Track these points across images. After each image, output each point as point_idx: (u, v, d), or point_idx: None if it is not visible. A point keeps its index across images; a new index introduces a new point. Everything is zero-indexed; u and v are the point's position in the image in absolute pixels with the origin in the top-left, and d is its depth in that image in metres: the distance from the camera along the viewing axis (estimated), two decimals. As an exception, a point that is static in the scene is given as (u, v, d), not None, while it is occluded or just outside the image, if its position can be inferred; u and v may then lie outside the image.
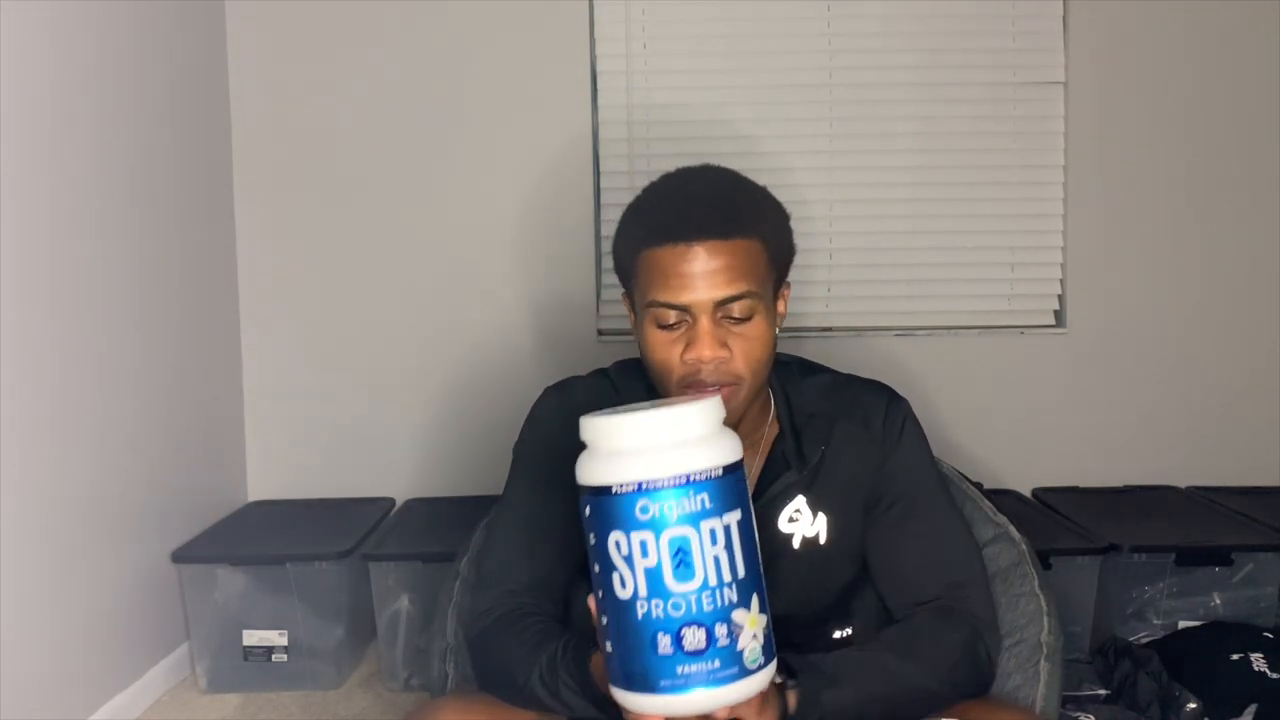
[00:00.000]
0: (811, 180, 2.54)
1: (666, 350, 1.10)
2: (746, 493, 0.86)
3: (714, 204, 1.10)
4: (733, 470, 0.84)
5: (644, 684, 0.82)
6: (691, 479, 0.82)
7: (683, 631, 0.81)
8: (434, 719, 1.10)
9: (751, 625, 0.83)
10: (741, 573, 0.83)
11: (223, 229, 2.50)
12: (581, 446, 0.87)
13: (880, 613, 1.24)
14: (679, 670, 0.81)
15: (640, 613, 0.81)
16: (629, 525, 0.81)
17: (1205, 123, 2.52)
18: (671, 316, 1.08)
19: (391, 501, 2.50)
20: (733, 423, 1.09)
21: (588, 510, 0.84)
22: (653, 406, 0.89)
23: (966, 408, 2.51)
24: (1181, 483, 2.52)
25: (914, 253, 2.57)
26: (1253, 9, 2.50)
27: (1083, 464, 2.55)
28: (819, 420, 1.21)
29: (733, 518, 0.83)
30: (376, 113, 2.53)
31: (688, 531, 0.81)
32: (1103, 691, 1.97)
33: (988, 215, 2.58)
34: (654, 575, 0.81)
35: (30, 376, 1.74)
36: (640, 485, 0.81)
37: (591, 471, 0.84)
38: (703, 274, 1.06)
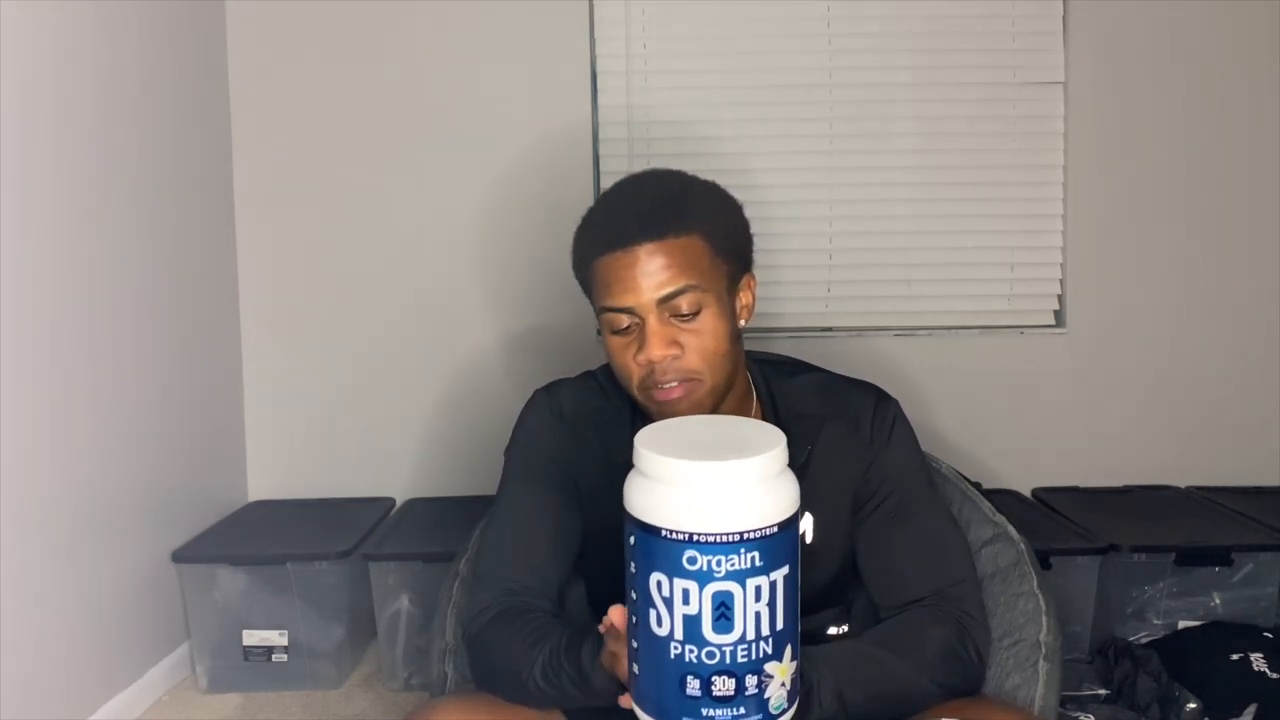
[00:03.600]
0: (811, 180, 2.53)
1: (623, 355, 1.13)
2: (797, 545, 0.84)
3: (650, 207, 1.12)
4: (787, 526, 0.82)
5: (664, 715, 0.82)
6: (745, 537, 0.79)
7: (713, 679, 0.80)
8: (434, 719, 1.10)
9: (782, 675, 0.82)
10: (780, 625, 0.81)
11: (223, 229, 2.50)
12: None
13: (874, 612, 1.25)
14: (703, 712, 0.80)
15: (673, 653, 0.80)
16: (674, 571, 0.79)
17: (1205, 123, 2.52)
18: (623, 320, 1.11)
19: (391, 501, 2.50)
20: (705, 409, 1.13)
21: (632, 540, 0.82)
22: (711, 436, 0.87)
23: (966, 408, 2.51)
24: (1181, 483, 2.51)
25: (914, 253, 2.57)
26: (1253, 9, 2.49)
27: (1083, 464, 2.55)
28: (807, 421, 1.21)
29: (780, 574, 0.81)
30: (376, 114, 2.53)
31: (733, 588, 0.79)
32: (1102, 691, 1.97)
33: (988, 215, 2.58)
34: (692, 623, 0.79)
35: (30, 377, 1.75)
36: (691, 536, 0.78)
37: (642, 505, 0.81)
38: (642, 274, 1.09)
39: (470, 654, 1.20)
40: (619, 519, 1.22)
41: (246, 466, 2.57)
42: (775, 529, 0.80)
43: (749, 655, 0.80)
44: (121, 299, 2.03)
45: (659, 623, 0.80)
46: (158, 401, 2.16)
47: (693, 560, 0.78)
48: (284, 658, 2.16)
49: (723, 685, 0.80)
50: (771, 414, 1.22)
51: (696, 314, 1.11)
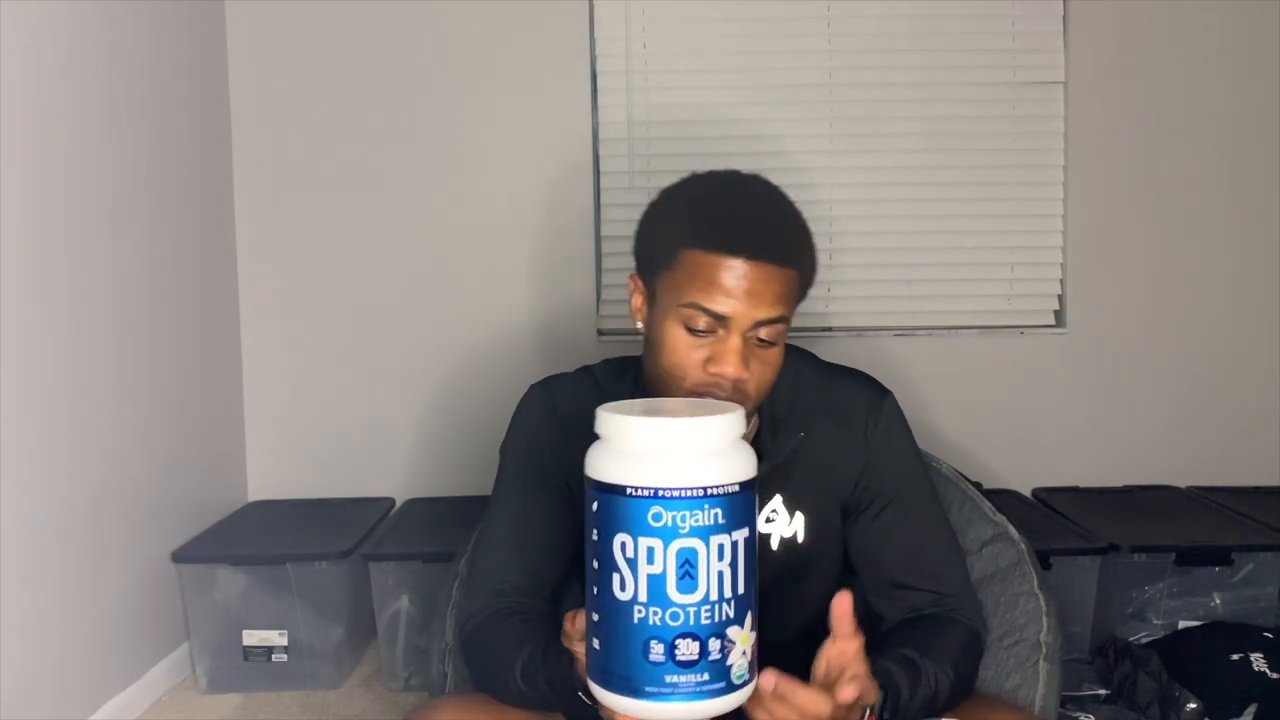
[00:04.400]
0: (811, 181, 2.53)
1: (687, 354, 1.07)
2: (755, 511, 0.86)
3: (774, 227, 1.09)
4: (748, 487, 0.83)
5: (626, 686, 0.82)
6: (709, 492, 0.80)
7: (677, 642, 0.81)
8: (434, 719, 1.10)
9: (743, 642, 0.83)
10: (741, 589, 0.83)
11: (223, 229, 2.50)
12: (591, 437, 0.86)
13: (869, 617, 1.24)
14: (667, 679, 0.81)
15: (636, 617, 0.81)
16: (638, 529, 0.80)
17: (1205, 122, 2.52)
18: (702, 322, 1.06)
19: (391, 501, 2.50)
20: None
21: (595, 505, 0.82)
22: (670, 409, 0.87)
23: (966, 408, 2.51)
24: (1181, 483, 2.51)
25: (914, 253, 2.57)
26: (1253, 9, 2.49)
27: (1083, 464, 2.55)
28: (800, 414, 1.20)
29: (741, 535, 0.82)
30: (376, 114, 2.53)
31: (697, 544, 0.80)
32: (1102, 691, 1.97)
33: (988, 215, 2.58)
34: (656, 582, 0.80)
35: (30, 377, 1.74)
36: (656, 492, 0.80)
37: (605, 467, 0.82)
38: (750, 291, 1.05)
39: (464, 655, 1.20)
40: None
41: (246, 466, 2.57)
42: (737, 488, 0.82)
43: (712, 617, 0.81)
44: (121, 299, 2.03)
45: (622, 587, 0.81)
46: (158, 401, 2.16)
47: (658, 517, 0.80)
48: (284, 658, 2.16)
49: (686, 649, 0.81)
50: (768, 406, 1.20)
51: (774, 344, 1.09)
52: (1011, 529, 1.37)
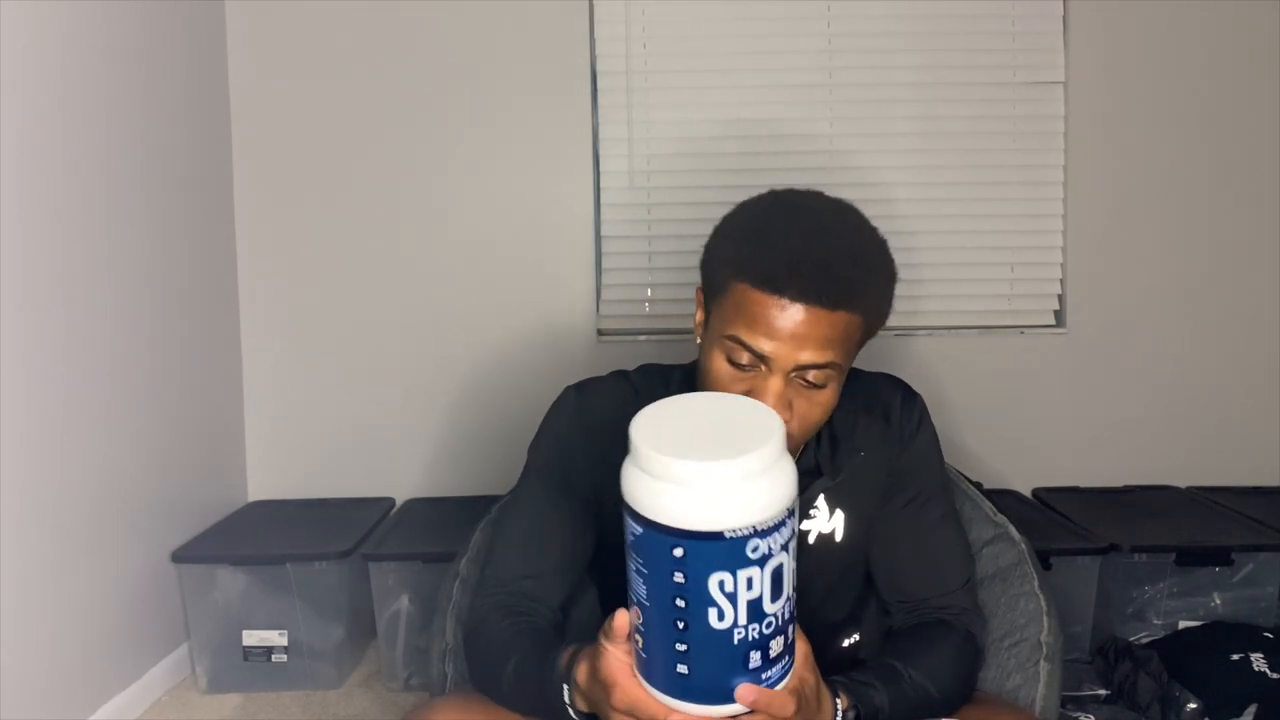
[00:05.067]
0: (812, 180, 2.48)
1: (729, 386, 1.05)
2: None
3: (831, 269, 1.02)
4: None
5: (724, 696, 0.84)
6: (790, 509, 0.83)
7: (770, 644, 0.84)
8: (433, 719, 1.10)
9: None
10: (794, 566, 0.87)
11: (223, 229, 2.50)
12: (623, 446, 0.85)
13: (880, 617, 1.25)
14: (761, 676, 0.84)
15: (736, 639, 0.82)
16: (738, 565, 0.80)
17: (1205, 122, 2.52)
18: (745, 358, 1.03)
19: (391, 501, 2.50)
20: None
21: (681, 552, 0.80)
22: (712, 425, 0.87)
23: (966, 407, 2.51)
24: (1181, 483, 2.52)
25: (914, 253, 2.56)
26: (1252, 9, 2.49)
27: (1083, 464, 2.55)
28: (845, 421, 1.19)
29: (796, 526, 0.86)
30: (376, 115, 2.52)
31: (784, 558, 0.83)
32: (1103, 691, 1.97)
33: (988, 215, 2.58)
34: (755, 604, 0.82)
35: (30, 377, 1.74)
36: (754, 528, 0.80)
37: (695, 516, 0.80)
38: (794, 335, 1.01)
39: (465, 650, 1.20)
40: None
41: (246, 466, 2.57)
42: (798, 490, 0.86)
43: (791, 609, 0.86)
44: (122, 299, 2.03)
45: (720, 617, 0.81)
46: (158, 402, 2.16)
47: (755, 549, 0.81)
48: (284, 658, 2.16)
49: (776, 646, 0.84)
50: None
51: (822, 386, 1.05)
52: (1012, 529, 1.37)
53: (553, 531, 1.18)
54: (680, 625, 0.82)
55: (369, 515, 2.36)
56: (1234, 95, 2.52)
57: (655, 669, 0.86)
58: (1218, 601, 2.13)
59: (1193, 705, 1.83)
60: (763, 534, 0.80)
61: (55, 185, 1.83)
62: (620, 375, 1.24)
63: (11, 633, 1.68)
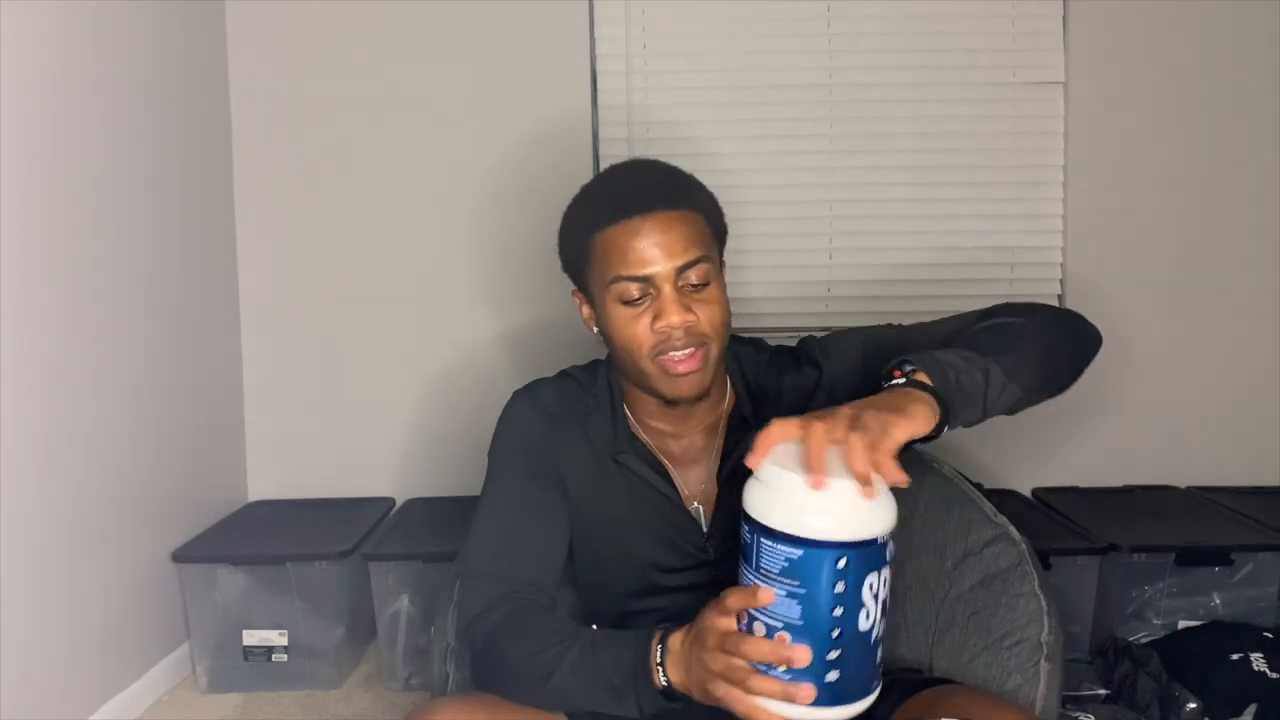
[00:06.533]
0: (811, 180, 2.53)
1: (633, 326, 1.15)
2: None
3: (656, 180, 1.18)
4: None
5: (866, 690, 0.93)
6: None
7: (883, 634, 0.93)
8: (433, 719, 1.09)
9: None
10: None
11: (223, 229, 2.50)
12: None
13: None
14: (878, 662, 0.94)
15: (873, 638, 0.92)
16: (882, 565, 0.90)
17: (1205, 122, 2.52)
18: (635, 290, 1.14)
19: (391, 501, 2.50)
20: (706, 385, 1.18)
21: (844, 562, 0.88)
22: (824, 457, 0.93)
23: (966, 408, 2.51)
24: (1181, 483, 2.52)
25: (914, 253, 2.57)
26: (1252, 9, 2.49)
27: (1083, 464, 2.55)
28: (770, 386, 1.27)
29: None
30: (376, 114, 2.52)
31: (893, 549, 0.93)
32: (1103, 691, 1.97)
33: (988, 215, 2.58)
34: (885, 601, 0.92)
35: (30, 376, 1.74)
36: (892, 530, 0.91)
37: (856, 526, 0.88)
38: (659, 244, 1.12)
39: (478, 657, 1.15)
40: (606, 507, 1.24)
41: (246, 466, 2.57)
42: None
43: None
44: (121, 299, 2.03)
45: (867, 618, 0.90)
46: (157, 402, 2.16)
47: (892, 551, 0.91)
48: (284, 658, 2.16)
49: (879, 633, 0.93)
50: (741, 380, 1.28)
51: (707, 284, 1.15)
52: (1013, 530, 1.37)
53: (536, 520, 1.22)
54: (835, 633, 0.89)
55: (369, 515, 2.36)
56: (1233, 95, 2.52)
57: (803, 680, 0.91)
58: (1217, 601, 2.13)
59: (1192, 705, 1.84)
60: (894, 534, 0.91)
61: (53, 186, 1.83)
62: (563, 373, 1.34)
63: (12, 632, 1.68)
